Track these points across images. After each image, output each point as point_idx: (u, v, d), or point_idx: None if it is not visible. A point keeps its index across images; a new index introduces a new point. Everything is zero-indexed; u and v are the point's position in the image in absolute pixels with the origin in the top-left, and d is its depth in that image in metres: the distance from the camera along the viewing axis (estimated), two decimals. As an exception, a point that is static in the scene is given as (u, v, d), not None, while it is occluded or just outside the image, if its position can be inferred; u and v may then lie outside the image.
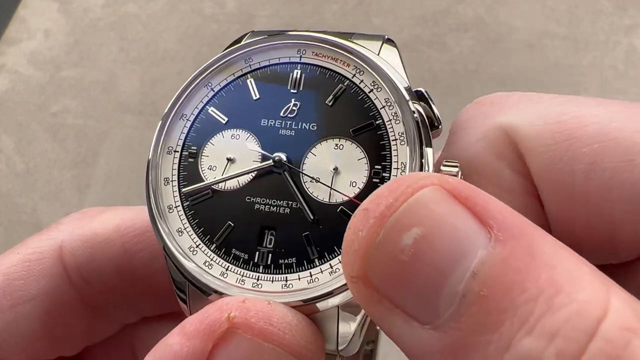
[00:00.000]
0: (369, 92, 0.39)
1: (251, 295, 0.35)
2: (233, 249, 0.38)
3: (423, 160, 0.36)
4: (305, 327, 0.34)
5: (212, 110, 0.42)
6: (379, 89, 0.39)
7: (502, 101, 0.38)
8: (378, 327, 0.51)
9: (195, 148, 0.41)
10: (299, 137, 0.39)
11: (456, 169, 0.36)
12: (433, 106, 0.38)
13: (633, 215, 0.33)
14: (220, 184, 0.40)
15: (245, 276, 0.37)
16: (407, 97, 0.38)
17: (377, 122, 0.38)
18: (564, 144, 0.34)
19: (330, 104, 0.40)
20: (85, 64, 1.36)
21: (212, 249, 0.38)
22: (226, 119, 0.41)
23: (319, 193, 0.38)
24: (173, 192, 0.40)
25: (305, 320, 0.34)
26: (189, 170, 0.40)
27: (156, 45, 1.37)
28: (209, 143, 0.41)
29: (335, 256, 0.36)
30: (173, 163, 0.41)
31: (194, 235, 0.39)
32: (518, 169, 0.37)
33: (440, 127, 0.38)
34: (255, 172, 0.39)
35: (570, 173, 0.34)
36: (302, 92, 0.41)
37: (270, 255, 0.37)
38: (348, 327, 0.36)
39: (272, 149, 0.39)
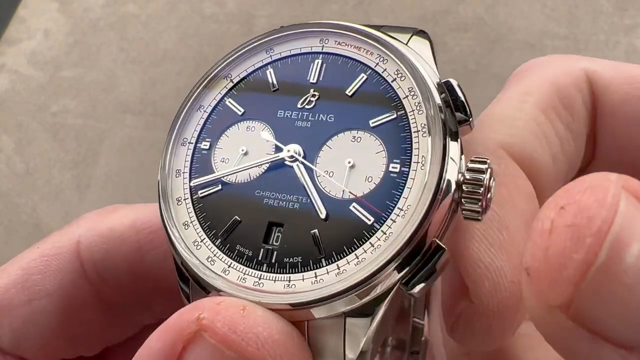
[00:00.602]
0: (392, 82, 0.37)
1: (251, 296, 0.33)
2: (237, 245, 0.36)
3: (446, 155, 0.33)
4: (279, 342, 0.30)
5: (229, 102, 0.40)
6: (402, 78, 0.37)
7: (572, 56, 0.40)
8: (424, 339, 0.48)
9: (209, 140, 0.40)
10: (315, 128, 0.38)
11: (485, 165, 0.33)
12: (463, 98, 0.36)
13: None
14: (230, 177, 0.38)
15: (247, 274, 0.35)
16: (432, 87, 0.36)
17: (399, 113, 0.36)
18: (637, 92, 0.35)
19: (350, 94, 0.38)
20: (85, 64, 1.36)
21: (216, 244, 0.37)
22: (242, 111, 0.40)
23: (332, 188, 0.36)
24: (183, 184, 0.39)
25: (283, 334, 0.31)
26: (201, 162, 0.39)
27: (156, 45, 1.37)
28: (224, 135, 0.40)
29: (344, 256, 0.34)
30: (186, 155, 0.40)
31: (200, 229, 0.37)
32: (588, 108, 0.38)
33: (470, 120, 0.35)
34: (267, 165, 0.38)
35: (634, 148, 0.34)
36: (322, 82, 0.39)
37: (275, 253, 0.35)
38: (357, 340, 0.33)
39: (286, 141, 0.38)
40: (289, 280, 0.34)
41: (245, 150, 0.39)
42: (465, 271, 0.34)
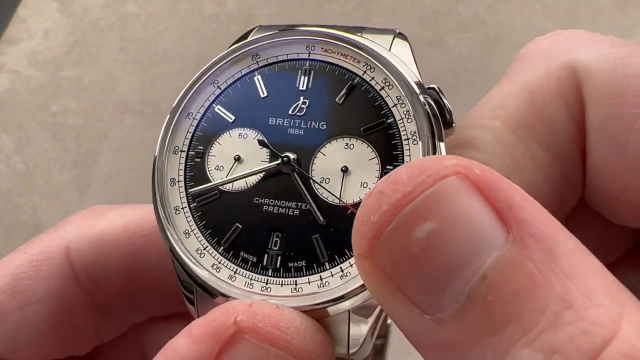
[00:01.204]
0: (380, 90, 0.38)
1: (260, 299, 0.34)
2: (241, 252, 0.37)
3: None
4: (315, 332, 0.33)
5: (218, 109, 0.41)
6: (390, 87, 0.38)
7: (583, 38, 0.37)
8: (389, 322, 0.51)
9: (201, 148, 0.40)
10: (308, 136, 0.38)
11: None
12: (446, 103, 0.37)
13: None
14: (227, 185, 0.39)
15: (254, 280, 0.36)
16: (418, 91, 0.37)
17: (388, 121, 0.37)
18: (631, 100, 0.33)
19: (340, 102, 0.39)
20: (85, 64, 1.36)
21: (220, 251, 0.37)
22: (233, 118, 0.40)
23: (329, 194, 0.37)
24: (180, 193, 0.39)
25: (315, 325, 0.33)
26: (195, 170, 0.40)
27: (156, 45, 1.37)
28: (215, 142, 0.40)
29: (346, 259, 0.35)
30: (179, 163, 0.40)
31: (202, 238, 0.38)
32: (574, 113, 0.35)
33: (453, 125, 0.37)
34: (264, 173, 0.38)
35: (628, 132, 0.33)
36: (311, 89, 0.39)
37: (279, 258, 0.36)
38: (359, 330, 0.35)
39: (280, 149, 0.38)
40: (296, 284, 0.36)
41: (240, 158, 0.39)
42: None
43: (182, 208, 0.39)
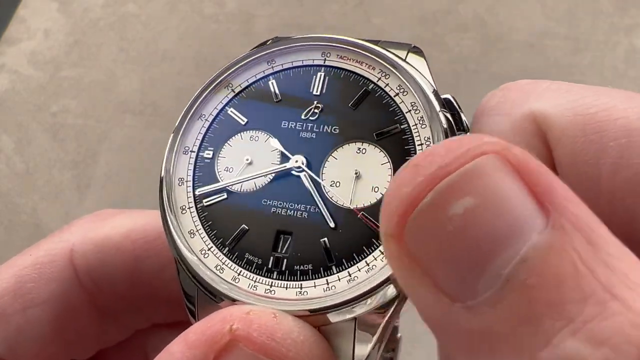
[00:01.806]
0: (395, 96, 0.38)
1: (263, 303, 0.34)
2: (246, 253, 0.37)
3: None
4: (313, 345, 0.32)
5: (231, 111, 0.40)
6: (405, 93, 0.38)
7: (531, 88, 0.37)
8: (399, 335, 0.50)
9: (212, 149, 0.40)
10: (320, 140, 0.38)
11: None
12: (462, 114, 0.37)
13: None
14: (236, 186, 0.38)
15: (258, 282, 0.36)
16: (433, 99, 0.36)
17: (402, 127, 0.37)
18: (592, 137, 0.33)
19: (353, 107, 0.39)
20: (85, 64, 1.36)
21: (224, 252, 0.37)
22: (245, 120, 0.40)
23: (339, 198, 0.36)
24: (187, 192, 0.39)
25: (315, 337, 0.32)
26: (204, 171, 0.39)
27: (156, 45, 1.37)
28: (226, 144, 0.40)
29: (354, 264, 0.35)
30: (189, 163, 0.40)
31: (206, 238, 0.37)
32: (544, 159, 0.35)
33: (468, 134, 0.36)
34: (273, 175, 0.38)
35: (596, 166, 0.33)
36: (325, 94, 0.39)
37: (285, 260, 0.36)
38: (364, 348, 0.34)
39: (291, 152, 0.38)
40: (301, 288, 0.35)
41: (250, 160, 0.39)
42: None
43: (189, 208, 0.39)
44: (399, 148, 0.37)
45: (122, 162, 1.24)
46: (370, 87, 0.39)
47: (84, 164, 1.25)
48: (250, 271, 0.36)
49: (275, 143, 0.39)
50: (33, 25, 1.43)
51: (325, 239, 0.36)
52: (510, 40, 1.27)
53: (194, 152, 0.40)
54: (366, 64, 0.39)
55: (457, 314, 0.25)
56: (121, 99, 1.31)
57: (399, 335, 0.52)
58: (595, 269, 0.23)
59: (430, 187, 0.24)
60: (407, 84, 0.37)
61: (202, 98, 0.41)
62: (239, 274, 0.36)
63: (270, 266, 0.36)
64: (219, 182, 0.39)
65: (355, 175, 0.37)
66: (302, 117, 0.39)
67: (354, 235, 0.35)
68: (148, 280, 0.43)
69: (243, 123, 0.40)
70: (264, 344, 0.29)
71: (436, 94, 0.37)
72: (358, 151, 0.37)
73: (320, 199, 0.37)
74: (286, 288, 0.35)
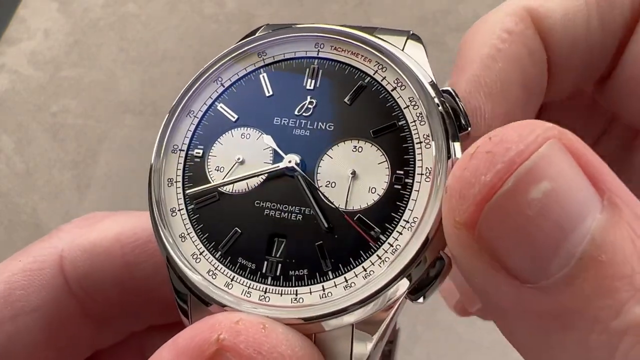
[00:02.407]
0: (392, 90, 0.36)
1: (257, 310, 0.32)
2: (239, 258, 0.35)
3: (449, 163, 0.33)
4: (303, 358, 0.31)
5: (221, 107, 0.38)
6: (402, 87, 0.36)
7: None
8: (397, 327, 0.49)
9: (202, 147, 0.38)
10: (315, 137, 0.36)
11: None
12: (461, 106, 0.35)
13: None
14: (227, 187, 0.36)
15: (252, 288, 0.34)
16: (432, 92, 0.35)
17: (400, 123, 0.35)
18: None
19: (349, 102, 0.37)
20: (85, 64, 1.36)
21: (217, 256, 0.35)
22: (236, 117, 0.38)
23: (335, 199, 0.35)
24: (177, 193, 0.37)
25: (305, 349, 0.31)
26: (194, 170, 0.37)
27: (156, 45, 1.37)
28: (217, 142, 0.38)
29: (351, 269, 0.33)
30: (178, 163, 0.38)
31: (198, 242, 0.36)
32: (537, 48, 0.37)
33: (469, 129, 0.35)
34: (266, 175, 0.36)
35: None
36: (319, 89, 0.37)
37: (279, 265, 0.34)
38: (364, 348, 0.33)
39: (285, 150, 0.36)
40: (296, 294, 0.33)
41: (241, 159, 0.37)
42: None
43: (179, 210, 0.37)
44: (397, 146, 0.35)
45: (122, 162, 1.24)
46: (366, 81, 0.37)
47: (84, 164, 1.25)
48: (244, 276, 0.35)
49: (267, 141, 0.37)
50: (33, 25, 1.43)
51: (321, 242, 0.34)
52: (510, 40, 1.27)
53: (183, 150, 0.38)
54: (362, 55, 0.37)
55: (528, 295, 0.25)
56: (121, 99, 1.31)
57: (397, 327, 0.50)
58: None
59: (509, 173, 0.25)
60: (405, 78, 0.36)
61: (190, 93, 0.39)
62: (232, 280, 0.35)
63: (264, 271, 0.34)
64: (210, 182, 0.37)
65: (352, 175, 0.35)
66: (296, 113, 0.37)
67: (350, 239, 0.34)
68: (141, 284, 0.42)
69: (234, 120, 0.38)
70: (250, 357, 0.29)
71: (434, 85, 0.36)
72: (354, 149, 0.36)
73: (314, 200, 0.35)
74: (281, 294, 0.34)
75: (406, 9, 1.34)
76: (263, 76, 0.39)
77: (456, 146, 0.34)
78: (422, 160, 0.34)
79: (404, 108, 0.35)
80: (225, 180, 0.37)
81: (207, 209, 0.37)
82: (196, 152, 0.38)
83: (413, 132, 0.35)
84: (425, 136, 0.34)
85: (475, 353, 0.97)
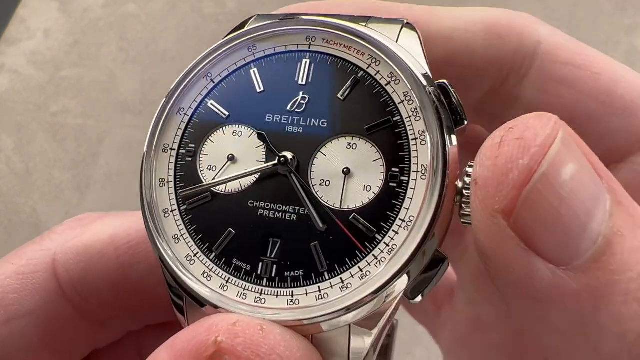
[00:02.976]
0: (386, 85, 0.35)
1: (253, 312, 0.32)
2: (234, 259, 0.34)
3: (447, 163, 0.32)
4: (301, 359, 0.31)
5: (211, 104, 0.37)
6: (397, 82, 0.35)
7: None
8: (395, 321, 0.49)
9: (193, 146, 0.37)
10: (308, 134, 0.35)
11: None
12: (457, 98, 0.34)
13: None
14: (220, 187, 0.36)
15: (248, 290, 0.34)
16: (425, 83, 0.33)
17: (394, 119, 0.34)
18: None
19: (342, 97, 0.36)
20: (85, 64, 1.36)
21: (211, 258, 0.35)
22: (227, 114, 0.37)
23: (330, 198, 0.34)
24: (169, 194, 0.36)
25: (304, 350, 0.31)
26: (186, 170, 0.37)
27: (156, 45, 1.37)
28: (208, 140, 0.37)
29: (347, 269, 0.32)
30: (169, 162, 0.37)
31: (192, 243, 0.35)
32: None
33: (465, 123, 0.34)
34: (259, 174, 0.35)
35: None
36: (311, 84, 0.36)
37: (275, 266, 0.34)
38: (362, 343, 0.32)
39: (278, 148, 0.35)
40: (292, 295, 0.33)
41: (233, 157, 0.36)
42: None
43: (172, 211, 0.36)
44: (392, 143, 0.34)
45: (122, 162, 1.24)
46: (359, 75, 0.35)
47: (84, 164, 1.25)
48: (239, 278, 0.34)
49: (260, 138, 0.36)
50: (33, 25, 1.43)
51: (316, 242, 0.33)
52: (510, 40, 1.27)
53: (174, 149, 0.37)
54: (354, 49, 0.36)
55: (562, 278, 0.26)
56: (121, 99, 1.31)
57: (395, 320, 0.49)
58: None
59: (542, 156, 0.26)
60: (399, 72, 0.34)
61: (179, 90, 0.38)
62: (227, 282, 0.34)
63: (259, 272, 0.34)
64: (203, 182, 0.36)
65: (346, 173, 0.34)
66: (288, 109, 0.36)
67: (346, 239, 0.33)
68: (136, 286, 0.41)
69: (224, 117, 0.37)
70: (248, 359, 0.29)
71: (428, 77, 0.35)
72: (348, 146, 0.35)
73: (308, 200, 0.34)
74: (277, 296, 0.33)
75: (406, 9, 1.35)
76: (254, 71, 0.38)
77: (453, 140, 0.33)
78: (417, 157, 0.33)
79: (399, 103, 0.35)
80: (217, 180, 0.36)
81: (200, 210, 0.36)
82: (187, 151, 0.37)
83: (408, 128, 0.34)
84: (420, 132, 0.34)
85: (475, 353, 0.97)
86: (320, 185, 0.34)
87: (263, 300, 0.33)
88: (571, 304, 0.26)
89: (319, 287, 0.33)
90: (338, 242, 0.33)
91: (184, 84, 0.38)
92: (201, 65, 0.38)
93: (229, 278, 0.34)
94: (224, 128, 0.37)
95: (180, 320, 0.36)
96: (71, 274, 0.41)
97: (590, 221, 0.26)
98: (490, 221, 0.27)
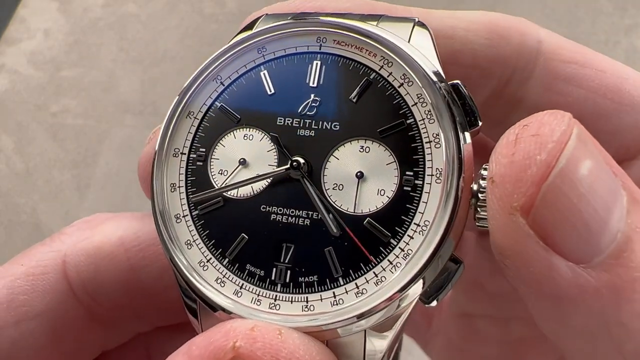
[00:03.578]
0: (399, 87, 0.34)
1: (268, 319, 0.32)
2: (247, 265, 0.34)
3: (462, 167, 0.32)
4: None
5: (222, 107, 0.37)
6: (410, 84, 0.34)
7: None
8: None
9: (204, 150, 0.36)
10: (320, 138, 0.35)
11: None
12: (471, 99, 0.33)
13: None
14: (232, 191, 0.35)
15: (262, 295, 0.33)
16: (438, 84, 0.33)
17: (408, 122, 0.33)
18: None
19: (354, 100, 0.35)
20: (85, 64, 1.36)
21: (224, 264, 0.34)
22: (238, 117, 0.36)
23: (343, 202, 0.33)
24: (180, 199, 0.36)
25: (322, 355, 0.31)
26: (197, 174, 0.36)
27: (156, 45, 1.37)
28: (219, 144, 0.36)
29: (362, 274, 0.32)
30: (180, 167, 0.37)
31: (205, 249, 0.35)
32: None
33: (480, 124, 0.33)
34: (271, 178, 0.35)
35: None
36: (323, 86, 0.36)
37: (288, 272, 0.33)
38: (377, 347, 0.32)
39: (289, 152, 0.35)
40: (307, 301, 0.33)
41: (245, 161, 0.36)
42: None
43: (184, 216, 0.36)
44: (406, 146, 0.33)
45: (122, 162, 1.24)
46: (372, 77, 0.35)
47: (84, 164, 1.25)
48: (253, 284, 0.34)
49: (271, 142, 0.35)
50: (33, 25, 1.43)
51: (330, 247, 0.33)
52: (510, 40, 1.27)
53: (184, 154, 0.37)
54: (366, 50, 0.35)
55: (583, 275, 0.26)
56: (121, 99, 1.31)
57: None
58: None
59: (560, 152, 0.26)
60: (412, 74, 0.34)
61: (189, 94, 0.37)
62: (241, 287, 0.34)
63: (273, 278, 0.33)
64: (214, 186, 0.36)
65: (359, 177, 0.34)
66: (299, 112, 0.35)
67: (360, 243, 0.32)
68: (146, 288, 0.41)
69: (235, 120, 0.36)
70: None
71: (439, 75, 0.34)
72: (361, 149, 0.34)
73: (322, 204, 0.34)
74: (291, 302, 0.33)
75: (406, 9, 1.35)
76: (264, 73, 0.37)
77: (467, 139, 0.32)
78: (432, 160, 0.33)
79: (412, 105, 0.34)
80: (229, 184, 0.35)
81: (212, 215, 0.35)
82: (198, 155, 0.37)
83: (422, 131, 0.33)
84: (434, 135, 0.33)
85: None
86: (333, 189, 0.34)
87: (277, 306, 0.33)
88: (592, 302, 0.26)
89: (333, 292, 0.32)
90: (353, 247, 0.33)
91: (194, 87, 0.37)
92: (211, 68, 0.37)
93: (242, 284, 0.34)
94: (234, 131, 0.37)
95: (193, 322, 0.36)
96: (81, 275, 0.41)
97: (610, 217, 0.26)
98: (508, 219, 0.27)
